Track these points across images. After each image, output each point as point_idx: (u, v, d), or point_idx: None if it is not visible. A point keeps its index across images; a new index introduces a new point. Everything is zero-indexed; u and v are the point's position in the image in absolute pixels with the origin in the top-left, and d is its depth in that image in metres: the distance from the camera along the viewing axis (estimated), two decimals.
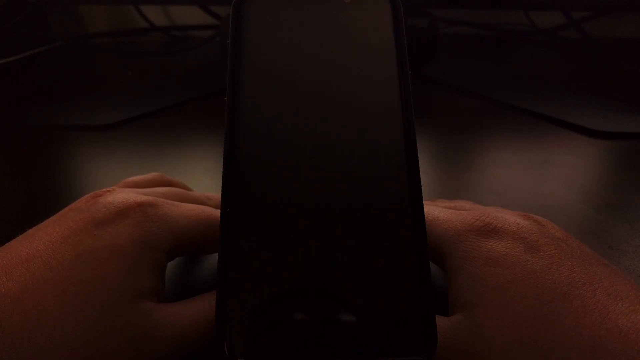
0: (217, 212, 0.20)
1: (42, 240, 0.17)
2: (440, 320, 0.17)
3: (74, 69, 0.62)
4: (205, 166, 0.36)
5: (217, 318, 0.15)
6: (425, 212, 0.17)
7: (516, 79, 0.55)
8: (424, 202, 0.17)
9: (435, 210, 0.20)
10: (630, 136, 0.40)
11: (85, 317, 0.15)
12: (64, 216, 0.18)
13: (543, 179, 0.33)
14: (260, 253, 0.16)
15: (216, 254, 0.20)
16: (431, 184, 0.33)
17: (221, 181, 0.17)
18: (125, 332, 0.16)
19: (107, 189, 0.20)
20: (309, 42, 0.20)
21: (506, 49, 0.68)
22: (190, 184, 0.27)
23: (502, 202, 0.31)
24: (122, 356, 0.15)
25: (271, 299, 0.16)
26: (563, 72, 0.59)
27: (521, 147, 0.38)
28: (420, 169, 0.18)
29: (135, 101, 0.48)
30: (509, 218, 0.19)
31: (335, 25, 0.20)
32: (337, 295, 0.16)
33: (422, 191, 0.18)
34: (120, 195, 0.19)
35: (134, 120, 0.44)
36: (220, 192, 0.17)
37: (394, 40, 0.20)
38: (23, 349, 0.14)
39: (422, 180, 0.17)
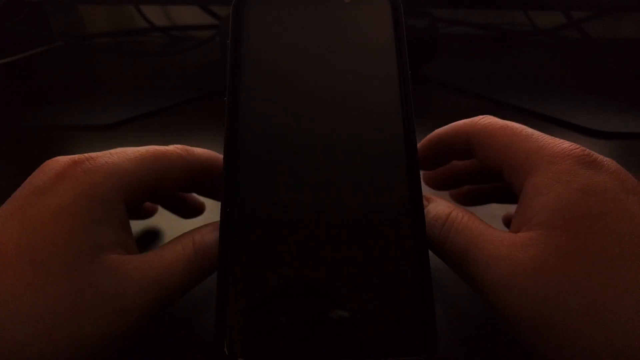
0: (162, 148, 0.20)
1: None
2: (497, 234, 0.17)
3: (74, 69, 0.62)
4: None
5: (217, 318, 0.15)
6: (522, 127, 0.18)
7: (516, 79, 0.55)
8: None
9: (531, 130, 0.19)
10: (630, 136, 0.40)
11: (47, 284, 0.15)
12: (12, 196, 0.18)
13: None
14: (260, 253, 0.16)
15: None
16: None
17: (221, 181, 0.17)
18: (93, 289, 0.15)
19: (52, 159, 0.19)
20: (309, 42, 0.20)
21: (506, 49, 0.68)
22: None
23: None
24: (99, 314, 0.15)
25: (271, 299, 0.16)
26: (563, 72, 0.59)
27: None
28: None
29: (135, 101, 0.48)
30: (607, 159, 0.18)
31: (335, 25, 0.20)
32: (338, 295, 0.16)
33: (422, 190, 0.18)
34: (59, 159, 0.18)
35: (134, 120, 0.44)
36: (220, 192, 0.17)
37: (393, 40, 0.20)
38: None
39: (422, 179, 0.18)
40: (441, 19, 0.64)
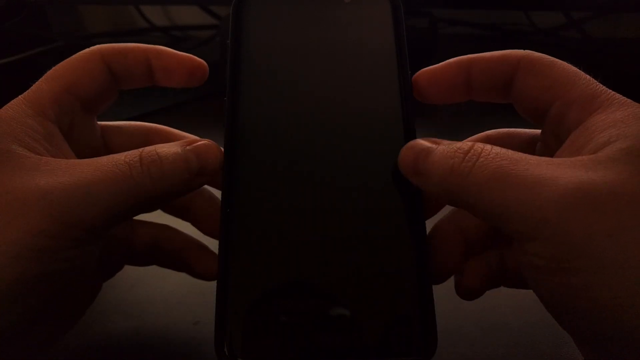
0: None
1: None
2: (544, 158, 0.15)
3: None
4: None
5: (217, 318, 0.15)
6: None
7: None
8: None
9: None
10: None
11: None
12: None
13: None
14: (260, 254, 0.16)
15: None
16: None
17: (221, 181, 0.17)
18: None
19: None
20: (309, 42, 0.20)
21: (506, 49, 0.68)
22: None
23: None
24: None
25: (271, 299, 0.16)
26: None
27: None
28: None
29: (135, 101, 0.48)
30: None
31: (336, 25, 0.20)
32: (337, 295, 0.16)
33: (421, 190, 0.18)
34: None
35: (134, 120, 0.44)
36: (220, 192, 0.17)
37: (394, 40, 0.20)
38: None
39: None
40: (441, 19, 0.64)
